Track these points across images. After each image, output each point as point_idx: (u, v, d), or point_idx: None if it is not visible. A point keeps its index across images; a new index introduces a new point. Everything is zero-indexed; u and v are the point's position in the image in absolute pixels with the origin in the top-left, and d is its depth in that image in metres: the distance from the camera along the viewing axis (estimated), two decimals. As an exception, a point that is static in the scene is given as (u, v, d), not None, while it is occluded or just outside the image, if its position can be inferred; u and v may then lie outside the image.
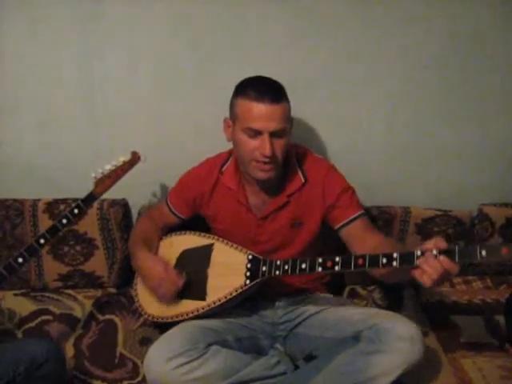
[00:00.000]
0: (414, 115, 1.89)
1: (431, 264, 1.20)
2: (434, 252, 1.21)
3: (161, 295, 1.57)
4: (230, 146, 1.68)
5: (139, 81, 1.84)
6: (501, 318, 1.75)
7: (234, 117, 1.51)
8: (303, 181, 1.59)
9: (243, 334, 1.57)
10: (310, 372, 1.46)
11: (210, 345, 1.47)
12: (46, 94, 1.85)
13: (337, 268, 1.34)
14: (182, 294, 1.55)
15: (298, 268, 1.40)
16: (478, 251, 1.16)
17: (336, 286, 1.78)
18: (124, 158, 1.67)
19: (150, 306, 1.62)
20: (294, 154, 1.62)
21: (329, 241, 1.65)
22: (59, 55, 1.80)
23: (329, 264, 1.35)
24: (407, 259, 1.25)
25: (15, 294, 1.92)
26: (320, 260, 1.37)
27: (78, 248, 1.92)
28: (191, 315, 1.52)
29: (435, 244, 1.22)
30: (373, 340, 1.40)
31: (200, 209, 1.69)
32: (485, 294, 1.89)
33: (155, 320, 1.60)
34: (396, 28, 1.78)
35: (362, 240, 1.54)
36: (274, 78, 1.77)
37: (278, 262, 1.44)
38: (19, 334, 1.73)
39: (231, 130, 1.53)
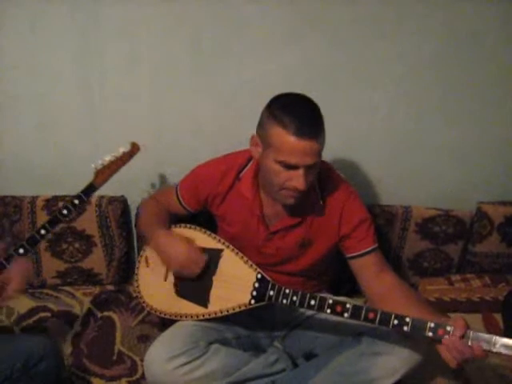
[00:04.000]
0: (413, 114, 1.89)
1: (459, 349, 1.19)
2: (448, 328, 1.21)
3: (187, 274, 1.51)
4: (227, 143, 1.68)
5: (138, 79, 1.83)
6: (499, 316, 1.75)
7: (265, 140, 1.38)
8: (321, 203, 1.52)
9: (242, 332, 1.57)
10: (309, 371, 1.46)
11: (210, 343, 1.46)
12: (46, 91, 1.85)
13: (346, 315, 1.30)
14: (184, 292, 1.53)
15: (306, 303, 1.35)
16: (493, 342, 1.17)
17: (335, 284, 1.77)
18: (124, 148, 1.68)
19: (151, 298, 1.59)
20: (317, 173, 1.49)
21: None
22: (59, 53, 1.80)
23: (338, 309, 1.32)
24: (419, 327, 1.24)
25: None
26: (330, 301, 1.33)
27: (77, 245, 1.91)
28: (190, 319, 1.50)
29: (453, 322, 1.22)
30: (374, 342, 1.40)
31: (210, 208, 1.64)
32: (483, 292, 1.89)
33: (154, 312, 1.58)
34: (395, 27, 1.77)
35: (376, 277, 1.48)
36: (273, 76, 1.79)
37: (287, 291, 1.38)
38: (17, 331, 1.72)
39: (260, 152, 1.41)
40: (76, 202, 1.58)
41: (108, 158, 1.65)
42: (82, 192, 1.60)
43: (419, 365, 1.38)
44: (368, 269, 1.51)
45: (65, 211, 1.55)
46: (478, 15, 1.75)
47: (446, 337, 1.21)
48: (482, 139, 1.92)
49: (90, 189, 1.62)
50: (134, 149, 1.70)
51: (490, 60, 1.82)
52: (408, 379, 1.39)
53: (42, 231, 1.51)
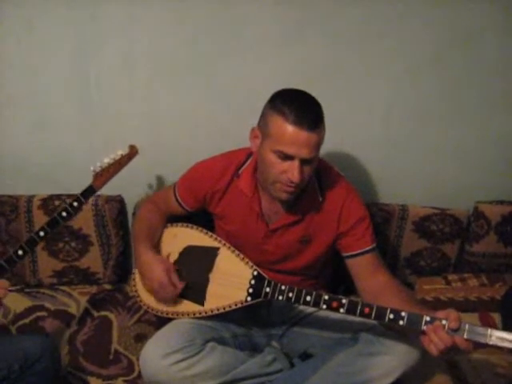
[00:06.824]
0: (411, 113, 1.89)
1: (440, 335, 1.18)
2: (444, 322, 1.20)
3: (159, 299, 1.53)
4: (225, 143, 1.67)
5: (136, 78, 1.83)
6: (496, 316, 1.75)
7: (264, 131, 1.39)
8: (320, 200, 1.53)
9: (239, 331, 1.57)
10: (306, 371, 1.46)
11: (207, 341, 1.46)
12: (43, 90, 1.84)
13: (341, 310, 1.30)
14: (181, 291, 1.53)
15: (302, 299, 1.35)
16: (489, 334, 1.16)
17: (331, 284, 1.77)
18: (122, 151, 1.68)
19: (148, 297, 1.59)
20: (316, 170, 1.49)
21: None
22: (56, 52, 1.79)
23: (334, 304, 1.31)
24: (415, 321, 1.23)
25: (10, 291, 1.90)
26: (326, 297, 1.32)
27: (73, 244, 1.91)
28: (187, 317, 1.50)
29: (447, 314, 1.21)
30: (371, 341, 1.40)
31: (209, 206, 1.63)
32: (480, 292, 1.90)
33: (151, 311, 1.58)
34: (395, 25, 1.77)
35: (371, 276, 1.49)
36: (272, 74, 1.79)
37: (283, 287, 1.39)
38: (14, 331, 1.72)
39: (258, 143, 1.43)
40: (75, 204, 1.58)
41: (107, 161, 1.65)
42: (82, 194, 1.60)
43: (417, 364, 1.38)
44: (364, 268, 1.51)
45: (64, 213, 1.55)
46: (478, 14, 1.76)
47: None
48: (481, 138, 1.92)
49: (89, 191, 1.62)
50: (133, 151, 1.70)
51: (490, 59, 1.82)
52: (406, 379, 1.39)
53: (41, 233, 1.51)
